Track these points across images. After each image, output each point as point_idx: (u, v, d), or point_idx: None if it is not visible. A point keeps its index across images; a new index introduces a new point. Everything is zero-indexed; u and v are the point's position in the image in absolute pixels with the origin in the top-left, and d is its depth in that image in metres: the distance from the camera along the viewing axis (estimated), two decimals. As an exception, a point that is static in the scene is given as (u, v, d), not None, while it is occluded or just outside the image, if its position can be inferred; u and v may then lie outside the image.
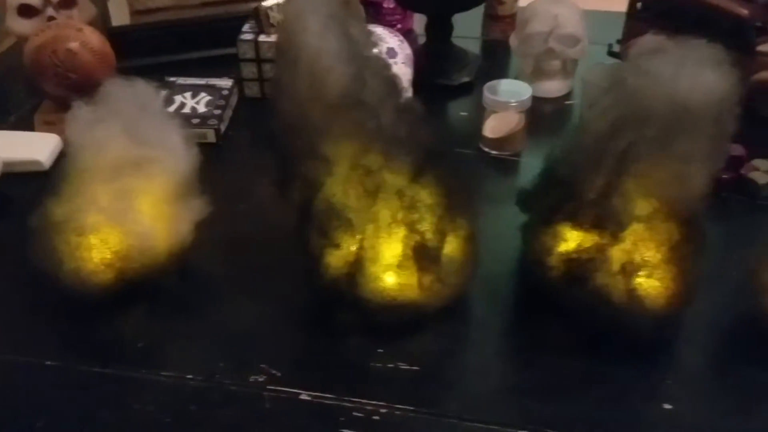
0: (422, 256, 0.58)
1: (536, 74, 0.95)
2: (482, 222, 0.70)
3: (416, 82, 0.97)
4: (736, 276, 0.64)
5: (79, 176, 0.62)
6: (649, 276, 0.55)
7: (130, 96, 0.62)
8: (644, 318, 0.56)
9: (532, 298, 0.65)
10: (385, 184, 0.57)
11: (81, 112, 0.61)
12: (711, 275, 0.63)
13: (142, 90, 0.62)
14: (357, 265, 0.58)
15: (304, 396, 0.57)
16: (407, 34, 1.12)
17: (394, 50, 0.80)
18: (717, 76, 0.51)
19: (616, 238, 0.56)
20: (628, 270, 0.56)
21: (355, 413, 0.55)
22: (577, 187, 0.57)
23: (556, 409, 0.55)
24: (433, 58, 1.01)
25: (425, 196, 0.59)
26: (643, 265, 0.55)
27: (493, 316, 0.65)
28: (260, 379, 0.58)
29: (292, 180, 0.59)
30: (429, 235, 0.59)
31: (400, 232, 0.58)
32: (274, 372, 0.59)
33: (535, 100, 0.94)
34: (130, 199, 0.60)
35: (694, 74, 0.50)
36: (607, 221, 0.56)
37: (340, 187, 0.57)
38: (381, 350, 0.60)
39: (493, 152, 0.86)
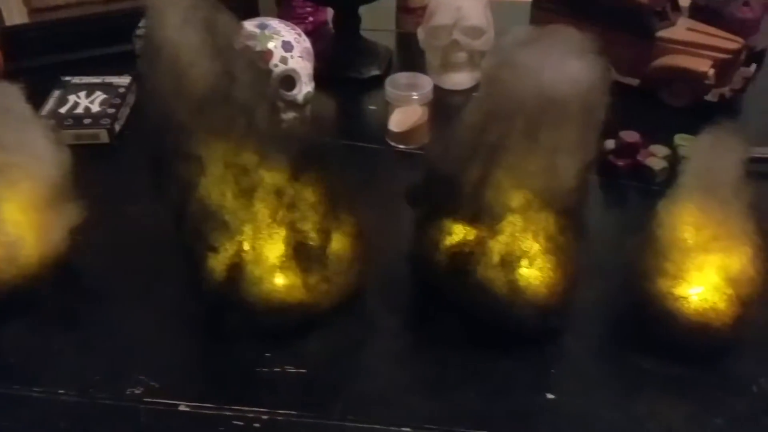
0: (304, 255, 0.57)
1: (444, 67, 0.94)
2: (384, 217, 0.70)
3: (325, 76, 0.95)
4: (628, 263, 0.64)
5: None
6: (528, 267, 0.55)
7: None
8: (527, 309, 0.56)
9: (426, 294, 0.64)
10: (262, 182, 0.55)
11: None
12: (604, 263, 0.63)
13: (4, 92, 0.59)
14: (239, 268, 0.56)
15: (183, 407, 0.55)
16: (320, 28, 1.10)
17: (290, 44, 0.78)
18: (582, 65, 0.50)
19: (494, 230, 0.55)
20: (508, 261, 0.55)
21: (235, 422, 0.53)
22: (455, 181, 0.56)
23: (440, 404, 0.55)
24: (342, 51, 0.99)
25: (308, 194, 0.57)
26: (522, 256, 0.55)
27: (387, 314, 0.63)
28: (137, 392, 0.55)
29: (167, 181, 0.57)
30: (312, 234, 0.57)
31: (281, 232, 0.56)
32: (152, 383, 0.56)
33: (444, 92, 0.93)
34: (-8, 207, 0.57)
35: (558, 64, 0.50)
36: (483, 214, 0.55)
37: (214, 188, 0.55)
38: (268, 354, 0.59)
39: (400, 146, 0.85)
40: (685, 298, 0.55)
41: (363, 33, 1.03)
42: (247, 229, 0.55)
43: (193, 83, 0.52)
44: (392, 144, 0.86)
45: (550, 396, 0.55)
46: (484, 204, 0.55)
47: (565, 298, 0.57)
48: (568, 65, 0.50)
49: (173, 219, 0.57)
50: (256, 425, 0.53)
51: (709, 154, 0.53)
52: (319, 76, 0.93)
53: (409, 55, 1.04)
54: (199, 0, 0.53)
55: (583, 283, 0.62)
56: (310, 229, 0.57)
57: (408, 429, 0.53)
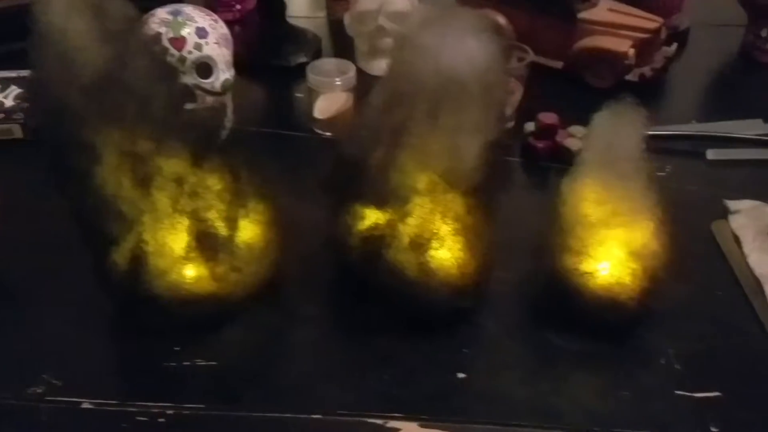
0: (209, 245, 0.55)
1: (372, 52, 0.94)
2: (308, 204, 0.68)
3: (251, 64, 0.94)
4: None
5: None
6: (438, 248, 0.55)
7: None
8: (439, 290, 0.55)
9: (345, 281, 0.63)
10: (161, 171, 0.54)
11: None
12: (523, 243, 0.63)
13: None
14: (141, 261, 0.55)
15: (86, 404, 0.53)
16: (249, 16, 1.08)
17: (204, 30, 0.76)
18: (479, 45, 0.50)
19: (403, 213, 0.55)
20: (418, 244, 0.55)
21: (138, 417, 0.52)
22: (363, 165, 0.55)
23: (352, 390, 0.54)
24: (268, 38, 0.97)
25: (212, 182, 0.56)
26: (432, 238, 0.55)
27: (305, 302, 0.62)
28: (38, 391, 0.54)
29: (63, 172, 0.55)
30: (217, 223, 0.56)
31: (184, 221, 0.55)
32: (55, 382, 0.54)
33: (372, 78, 0.92)
34: None
35: (455, 44, 0.50)
36: (389, 197, 0.54)
37: (110, 177, 0.53)
38: (177, 348, 0.57)
39: (326, 133, 0.84)
40: (590, 273, 0.55)
41: (293, 20, 1.02)
42: (147, 220, 0.54)
43: (81, 69, 0.50)
44: (318, 131, 0.85)
45: (461, 375, 0.55)
46: (390, 187, 0.54)
47: (478, 279, 0.57)
48: (464, 45, 0.50)
49: (73, 212, 0.55)
50: (161, 420, 0.52)
51: (609, 130, 0.53)
52: (245, 64, 0.92)
53: (340, 42, 1.03)
54: (86, -16, 0.51)
55: (499, 263, 0.63)
56: (215, 217, 0.56)
57: (318, 416, 0.52)
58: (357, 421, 0.52)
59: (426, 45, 0.50)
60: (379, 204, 0.56)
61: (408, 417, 0.52)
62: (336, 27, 1.08)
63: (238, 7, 1.07)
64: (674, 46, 0.93)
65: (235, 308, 0.59)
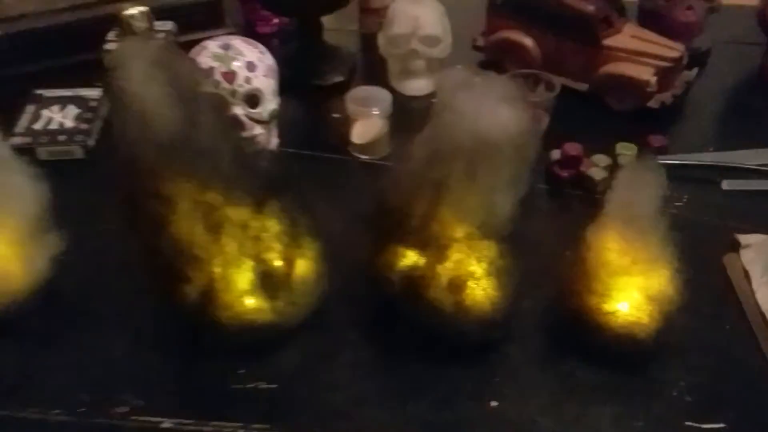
0: (269, 284, 0.62)
1: (404, 73, 0.98)
2: (348, 227, 0.73)
3: (288, 84, 0.98)
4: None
5: None
6: (473, 288, 0.61)
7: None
8: (473, 325, 0.62)
9: (385, 307, 0.69)
10: (229, 219, 0.60)
11: None
12: (548, 270, 0.68)
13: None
14: (210, 296, 0.61)
15: (167, 424, 0.60)
16: (285, 27, 1.12)
17: (253, 63, 0.81)
18: (512, 112, 0.55)
19: (442, 256, 0.61)
20: (455, 285, 0.61)
21: (213, 436, 0.60)
22: (405, 212, 0.61)
23: (394, 414, 0.61)
24: (305, 58, 1.02)
25: (271, 225, 0.63)
26: (468, 279, 0.61)
27: (349, 328, 0.69)
28: (123, 410, 0.61)
29: (138, 216, 0.61)
30: (276, 263, 0.62)
31: (248, 262, 0.62)
32: (137, 402, 0.62)
33: (404, 98, 0.97)
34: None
35: (492, 111, 0.55)
36: (430, 244, 0.60)
37: (184, 225, 0.60)
38: (242, 371, 0.64)
39: (363, 156, 0.89)
40: (612, 313, 0.61)
41: (326, 33, 1.04)
42: (217, 261, 0.60)
43: (157, 131, 0.56)
44: (355, 154, 0.90)
45: (493, 403, 0.62)
46: (431, 236, 0.60)
47: (507, 312, 0.64)
48: (500, 112, 0.55)
49: (145, 252, 0.62)
50: (233, 439, 0.59)
51: (629, 188, 0.59)
52: (283, 82, 0.96)
53: (372, 58, 1.04)
54: (162, 53, 0.57)
55: (526, 291, 0.68)
56: (274, 258, 0.62)
57: (365, 440, 0.60)
58: (401, 445, 0.59)
59: (464, 111, 0.56)
60: (421, 248, 0.62)
61: (447, 442, 0.59)
62: (367, 41, 1.11)
63: (276, 21, 1.11)
64: (695, 70, 0.97)
65: (288, 334, 0.66)
